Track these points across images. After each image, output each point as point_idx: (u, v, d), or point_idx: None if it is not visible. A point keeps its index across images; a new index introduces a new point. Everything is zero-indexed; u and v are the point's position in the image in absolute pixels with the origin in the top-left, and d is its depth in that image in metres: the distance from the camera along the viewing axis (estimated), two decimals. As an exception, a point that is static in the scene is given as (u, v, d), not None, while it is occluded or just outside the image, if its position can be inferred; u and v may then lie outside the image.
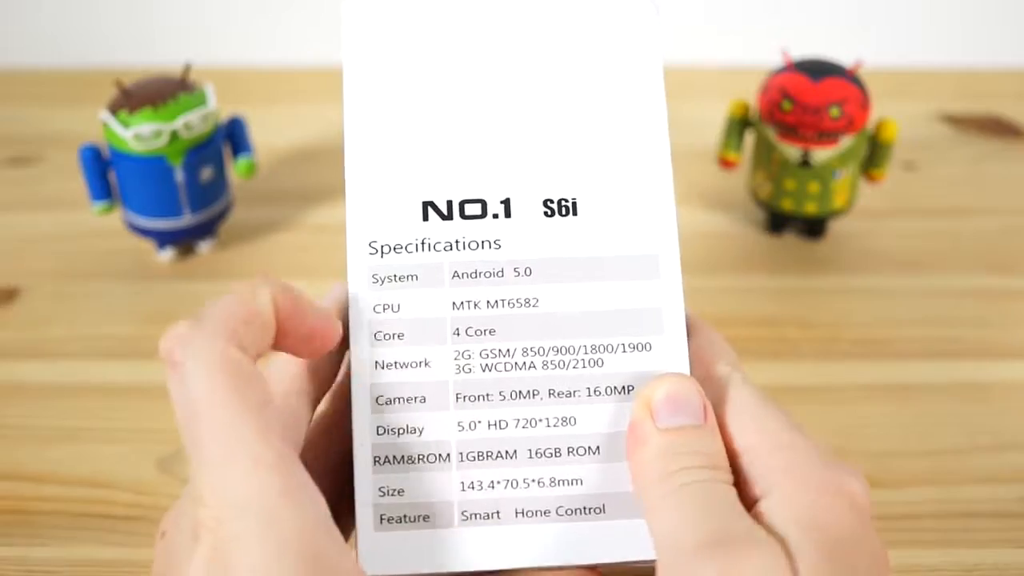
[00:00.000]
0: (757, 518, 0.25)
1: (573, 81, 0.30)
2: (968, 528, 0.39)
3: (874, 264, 0.53)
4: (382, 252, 0.29)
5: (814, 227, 0.54)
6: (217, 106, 0.51)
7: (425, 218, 0.29)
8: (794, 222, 0.54)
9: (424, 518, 0.27)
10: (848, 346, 0.48)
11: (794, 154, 0.51)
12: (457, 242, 0.29)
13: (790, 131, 0.51)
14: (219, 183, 0.52)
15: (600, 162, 0.30)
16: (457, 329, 0.28)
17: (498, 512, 0.27)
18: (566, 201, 0.29)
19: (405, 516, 0.27)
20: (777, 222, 0.55)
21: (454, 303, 0.28)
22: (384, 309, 0.28)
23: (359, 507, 0.27)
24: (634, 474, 0.27)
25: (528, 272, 0.29)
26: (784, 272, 0.53)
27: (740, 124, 0.53)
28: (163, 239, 0.52)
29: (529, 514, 0.28)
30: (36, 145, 0.62)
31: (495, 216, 0.29)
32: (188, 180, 0.50)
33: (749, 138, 0.54)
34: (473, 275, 0.29)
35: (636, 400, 0.27)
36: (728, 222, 0.56)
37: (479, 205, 0.29)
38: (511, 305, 0.29)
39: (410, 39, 0.30)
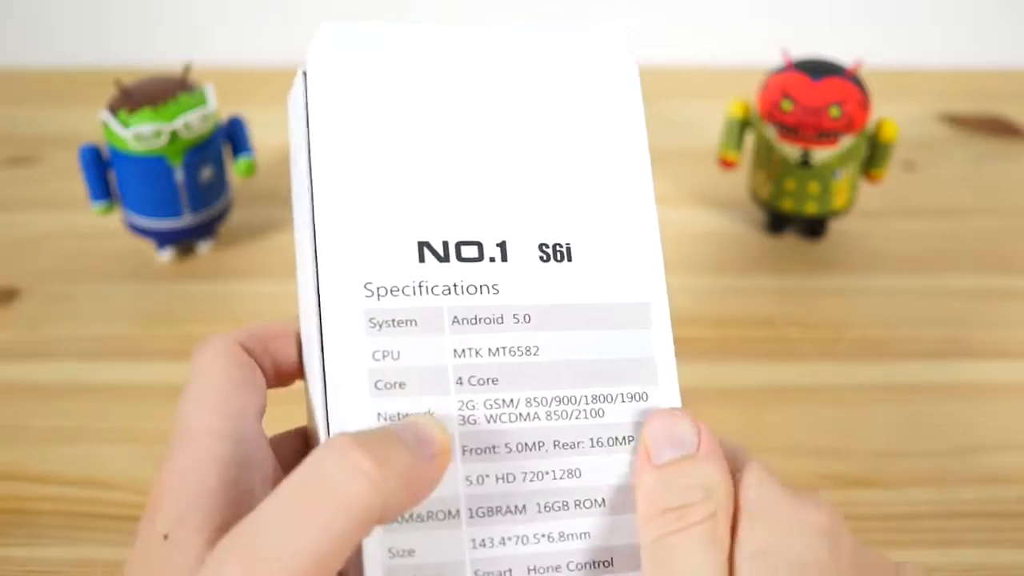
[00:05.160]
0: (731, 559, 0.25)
1: (557, 125, 0.30)
2: (968, 528, 0.39)
3: (874, 264, 0.53)
4: (378, 294, 0.27)
5: (814, 227, 0.54)
6: (217, 106, 0.51)
7: (421, 259, 0.27)
8: (794, 222, 0.54)
9: None
10: (848, 346, 0.48)
11: (794, 154, 0.51)
12: (455, 286, 0.27)
13: (790, 131, 0.51)
14: (219, 183, 0.52)
15: (590, 208, 0.29)
16: (460, 378, 0.27)
17: (510, 570, 0.27)
18: (560, 246, 0.28)
19: None
20: (777, 222, 0.55)
21: (455, 351, 0.27)
22: (384, 356, 0.26)
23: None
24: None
25: (527, 319, 0.28)
26: (784, 272, 0.53)
27: (740, 124, 0.53)
28: (163, 239, 0.52)
29: (540, 571, 0.27)
30: (36, 145, 0.62)
31: (492, 259, 0.28)
32: (188, 180, 0.50)
33: (749, 138, 0.54)
34: (473, 321, 0.27)
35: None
36: (728, 222, 0.56)
37: (476, 247, 0.28)
38: (512, 353, 0.27)
39: (389, 78, 0.29)
